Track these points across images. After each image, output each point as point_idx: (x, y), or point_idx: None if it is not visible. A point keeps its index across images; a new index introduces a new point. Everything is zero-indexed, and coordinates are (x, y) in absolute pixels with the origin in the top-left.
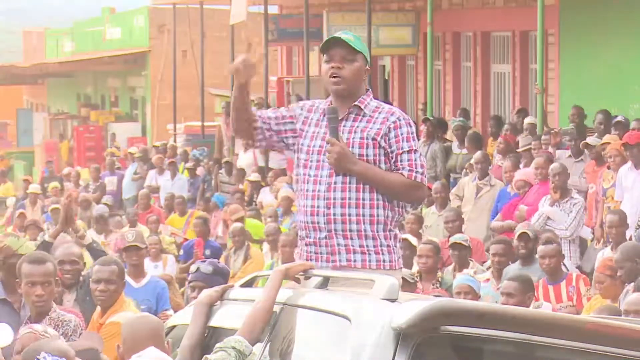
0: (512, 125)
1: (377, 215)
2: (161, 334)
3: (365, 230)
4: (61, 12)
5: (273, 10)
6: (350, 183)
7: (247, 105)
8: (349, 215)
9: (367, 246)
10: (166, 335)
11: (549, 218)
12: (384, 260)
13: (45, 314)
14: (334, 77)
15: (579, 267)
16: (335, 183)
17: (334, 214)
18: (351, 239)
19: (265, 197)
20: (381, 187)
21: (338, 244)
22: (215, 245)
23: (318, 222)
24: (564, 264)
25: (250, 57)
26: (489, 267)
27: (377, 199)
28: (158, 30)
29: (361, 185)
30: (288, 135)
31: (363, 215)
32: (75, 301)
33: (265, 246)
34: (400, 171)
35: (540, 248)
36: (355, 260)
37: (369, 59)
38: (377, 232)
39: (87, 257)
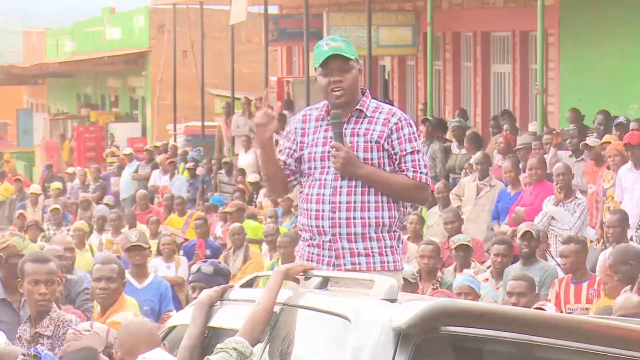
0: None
1: (382, 218)
2: (157, 337)
3: (369, 233)
4: (61, 12)
5: (273, 10)
6: (355, 187)
7: (277, 164)
8: (354, 218)
9: (372, 248)
10: (166, 336)
11: (552, 218)
12: (387, 262)
13: (45, 314)
14: (336, 90)
15: None
16: (341, 187)
17: (339, 218)
18: (355, 242)
19: (266, 198)
20: (387, 189)
21: (342, 248)
22: (215, 245)
23: (323, 226)
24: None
25: (270, 110)
26: (489, 267)
27: (382, 202)
28: (158, 30)
29: (366, 189)
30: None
31: (368, 218)
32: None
33: (264, 247)
34: (404, 173)
35: (560, 248)
36: (359, 264)
37: (357, 57)
38: (382, 233)
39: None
